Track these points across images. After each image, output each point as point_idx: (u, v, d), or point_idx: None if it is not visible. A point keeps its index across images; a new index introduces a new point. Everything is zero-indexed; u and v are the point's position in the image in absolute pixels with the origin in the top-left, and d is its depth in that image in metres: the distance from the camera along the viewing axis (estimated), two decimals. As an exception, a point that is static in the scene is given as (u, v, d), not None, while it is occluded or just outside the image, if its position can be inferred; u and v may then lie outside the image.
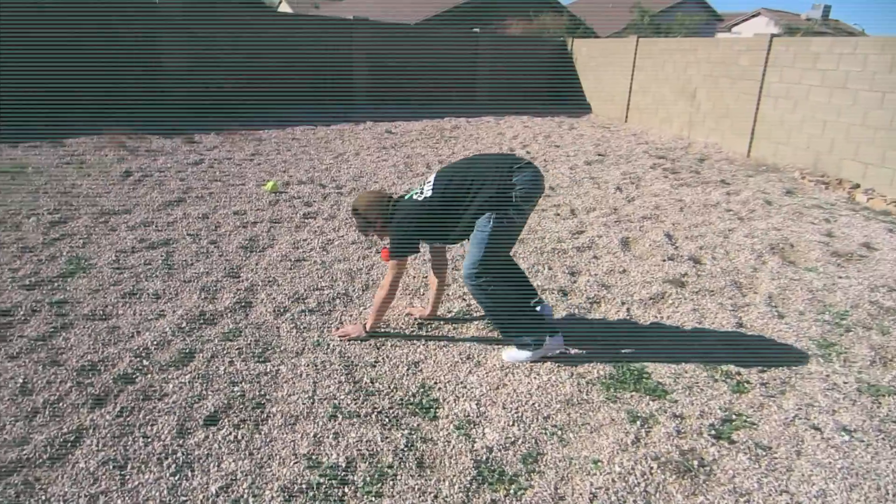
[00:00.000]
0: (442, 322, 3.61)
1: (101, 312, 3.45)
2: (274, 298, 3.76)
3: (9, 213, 5.03)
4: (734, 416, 2.79)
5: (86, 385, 2.75)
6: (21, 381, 2.75)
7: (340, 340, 3.30)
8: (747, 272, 4.60)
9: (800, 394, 3.01)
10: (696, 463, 2.45)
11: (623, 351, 3.34)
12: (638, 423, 2.69)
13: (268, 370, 2.96)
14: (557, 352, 3.20)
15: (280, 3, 39.27)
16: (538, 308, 3.46)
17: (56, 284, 3.79)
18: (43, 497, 2.11)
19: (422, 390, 2.90)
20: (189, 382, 2.81)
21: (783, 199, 6.93)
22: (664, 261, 4.71)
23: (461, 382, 2.98)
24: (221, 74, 11.00)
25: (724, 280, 4.40)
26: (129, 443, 2.40)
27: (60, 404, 2.61)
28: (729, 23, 37.46)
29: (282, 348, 3.18)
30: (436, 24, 21.33)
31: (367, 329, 3.33)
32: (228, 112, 10.57)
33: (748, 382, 3.08)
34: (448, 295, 3.98)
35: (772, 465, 2.47)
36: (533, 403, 2.81)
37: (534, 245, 4.98)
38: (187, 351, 3.08)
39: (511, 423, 2.65)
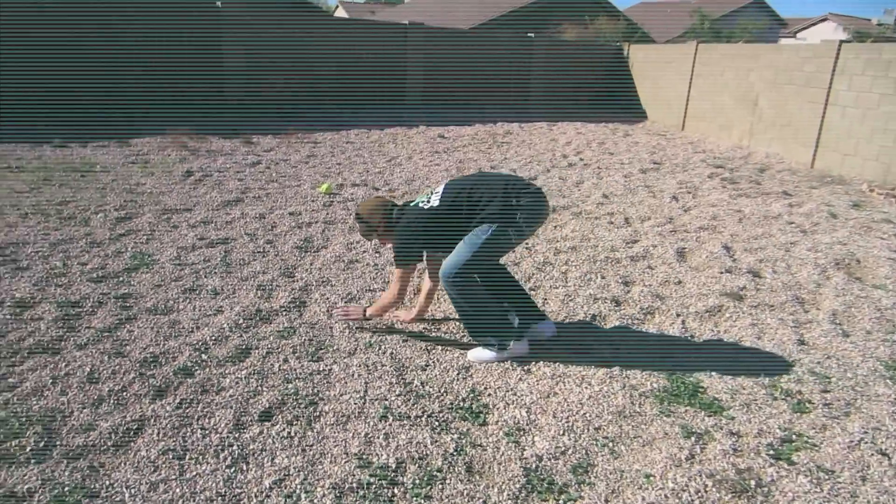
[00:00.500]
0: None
1: (163, 307, 3.58)
2: (327, 299, 3.82)
3: (79, 210, 5.27)
4: (794, 437, 2.69)
5: (148, 376, 2.85)
6: (88, 370, 2.87)
7: (342, 320, 3.45)
8: (810, 287, 4.43)
9: (866, 416, 2.88)
10: (753, 483, 2.37)
11: (677, 364, 3.27)
12: (692, 438, 2.62)
13: (321, 369, 3.01)
14: (519, 354, 3.23)
15: (336, 7, 40.00)
16: (537, 325, 3.41)
17: (121, 278, 3.95)
18: (107, 482, 2.19)
19: (472, 395, 2.89)
20: (245, 378, 2.88)
21: (849, 212, 6.65)
22: (721, 273, 4.59)
23: (511, 389, 2.96)
24: (279, 77, 11.28)
25: (785, 295, 4.25)
26: (188, 434, 2.48)
27: (124, 394, 2.72)
28: (794, 28, 36.25)
29: (334, 348, 3.23)
30: (490, 28, 21.35)
31: (365, 315, 3.39)
32: (285, 114, 10.82)
33: (810, 402, 2.97)
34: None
35: (835, 490, 2.37)
36: (584, 413, 2.77)
37: (586, 253, 4.92)
38: (244, 347, 3.16)
39: (561, 433, 2.62)
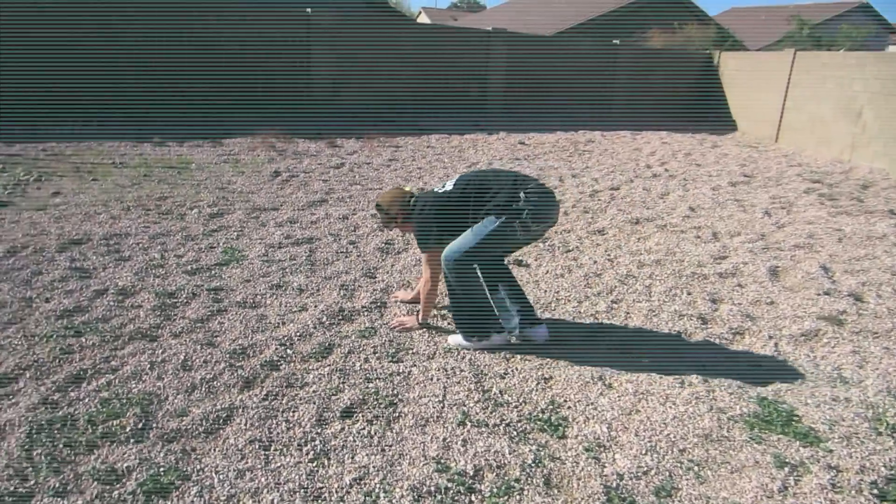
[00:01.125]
0: (572, 338, 3.54)
1: (252, 301, 3.72)
2: (408, 301, 3.86)
3: (175, 205, 5.56)
4: (901, 476, 2.49)
5: (236, 367, 2.97)
6: (182, 357, 3.02)
7: (398, 331, 3.47)
8: (919, 315, 4.11)
9: (984, 459, 2.64)
10: (854, 522, 2.22)
11: (769, 389, 3.10)
12: (786, 469, 2.48)
13: (400, 370, 3.04)
14: (498, 343, 3.33)
15: (419, 14, 40.61)
16: (528, 331, 3.37)
17: (213, 272, 4.13)
18: (198, 466, 2.29)
19: (551, 407, 2.85)
20: (328, 375, 2.95)
21: (965, 235, 6.14)
22: (819, 295, 4.33)
23: (591, 403, 2.90)
24: (363, 81, 11.53)
25: (891, 322, 3.96)
26: (273, 426, 2.55)
27: (215, 383, 2.84)
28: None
29: (414, 350, 3.26)
30: (573, 34, 21.10)
31: (420, 320, 3.49)
32: (368, 118, 11.05)
33: (919, 439, 2.74)
34: (580, 312, 3.90)
35: (948, 537, 2.18)
36: (668, 434, 2.67)
37: (671, 268, 4.76)
38: (327, 345, 3.24)
39: (644, 452, 2.54)
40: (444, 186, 3.30)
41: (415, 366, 3.10)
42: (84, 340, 3.13)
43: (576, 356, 3.33)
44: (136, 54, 9.58)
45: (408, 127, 10.67)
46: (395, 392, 2.86)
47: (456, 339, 3.36)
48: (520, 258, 4.78)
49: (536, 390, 2.99)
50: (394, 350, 3.24)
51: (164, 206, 5.49)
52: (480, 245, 3.10)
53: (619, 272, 4.65)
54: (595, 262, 4.84)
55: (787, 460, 2.53)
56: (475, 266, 3.21)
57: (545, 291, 4.22)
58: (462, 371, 3.08)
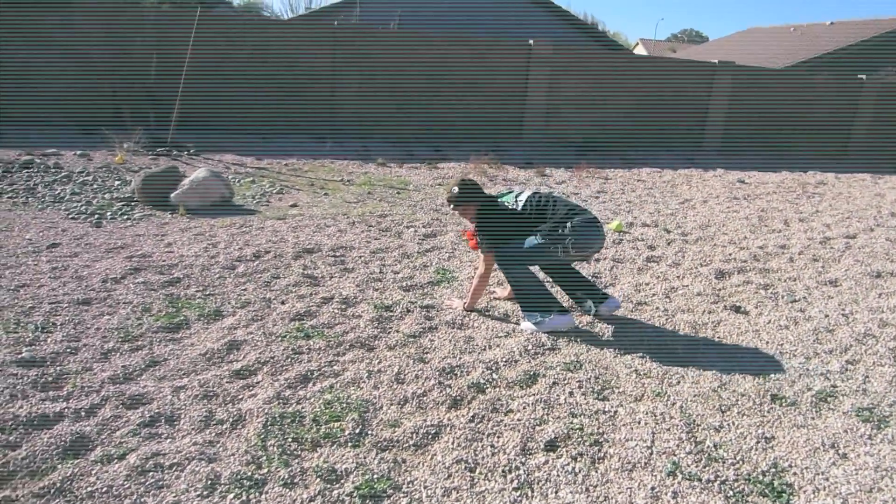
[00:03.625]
0: (796, 398, 3.13)
1: (460, 322, 3.83)
2: (617, 332, 3.71)
3: (393, 223, 5.97)
4: None
5: (445, 385, 3.06)
6: (396, 370, 3.18)
7: (451, 310, 3.95)
8: None
9: None
10: None
11: None
12: None
13: (606, 409, 2.92)
14: (563, 328, 3.71)
15: (637, 45, 39.72)
16: (597, 306, 3.92)
17: (425, 290, 4.34)
18: (408, 478, 2.39)
19: (773, 470, 2.54)
20: (532, 404, 2.92)
21: None
22: None
23: (822, 473, 2.54)
24: (576, 111, 11.52)
25: None
26: (479, 448, 2.58)
27: (424, 398, 2.95)
28: None
29: (620, 389, 3.11)
30: (808, 68, 19.13)
31: (466, 307, 3.97)
32: (578, 148, 10.99)
33: None
34: (807, 370, 3.46)
35: None
36: (933, 529, 2.23)
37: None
38: (532, 373, 3.22)
39: (900, 546, 2.14)
40: (516, 199, 3.81)
41: (621, 406, 2.95)
42: (312, 343, 3.44)
43: (802, 418, 2.95)
44: (371, 87, 10.57)
45: (618, 158, 10.43)
46: (601, 431, 2.74)
47: (525, 323, 3.76)
48: (738, 304, 4.39)
49: (756, 449, 2.68)
50: (599, 387, 3.12)
51: (384, 224, 5.91)
52: (525, 254, 3.69)
53: (856, 330, 4.06)
54: (826, 315, 4.28)
55: None
56: (522, 265, 3.76)
57: (767, 343, 3.81)
58: (672, 418, 2.87)
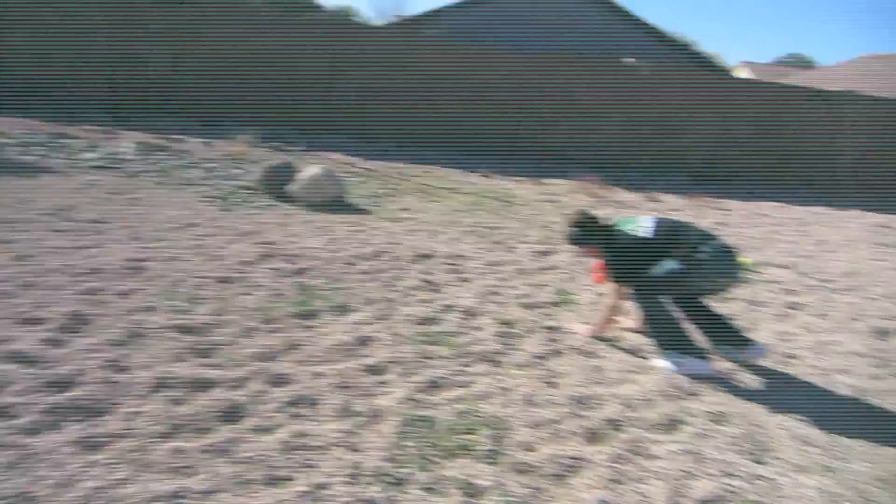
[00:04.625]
0: None
1: (587, 349, 3.62)
2: (767, 394, 3.37)
3: (505, 236, 5.83)
4: None
5: (578, 416, 2.87)
6: (526, 391, 3.03)
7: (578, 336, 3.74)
8: None
9: None
10: None
11: None
12: None
13: (763, 474, 2.63)
14: (702, 375, 3.40)
15: (737, 68, 37.94)
16: (741, 354, 3.62)
17: (547, 310, 4.16)
18: (550, 512, 2.22)
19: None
20: (678, 453, 2.68)
21: None
22: None
23: None
24: (683, 137, 11.05)
25: None
26: (623, 492, 2.38)
27: (559, 425, 2.77)
28: None
29: (778, 455, 2.80)
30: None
31: (588, 333, 3.76)
32: (694, 176, 10.53)
33: None
34: None
35: None
36: None
37: None
38: (672, 417, 2.97)
39: None
40: (640, 226, 3.54)
41: (784, 475, 2.64)
42: (437, 350, 3.34)
43: None
44: (480, 106, 10.52)
45: (736, 189, 9.91)
46: (762, 501, 2.47)
47: (661, 362, 3.50)
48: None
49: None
50: (752, 446, 2.83)
51: (495, 236, 5.78)
52: (660, 284, 3.43)
53: None
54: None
55: None
56: (655, 296, 3.48)
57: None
58: (846, 500, 2.55)
